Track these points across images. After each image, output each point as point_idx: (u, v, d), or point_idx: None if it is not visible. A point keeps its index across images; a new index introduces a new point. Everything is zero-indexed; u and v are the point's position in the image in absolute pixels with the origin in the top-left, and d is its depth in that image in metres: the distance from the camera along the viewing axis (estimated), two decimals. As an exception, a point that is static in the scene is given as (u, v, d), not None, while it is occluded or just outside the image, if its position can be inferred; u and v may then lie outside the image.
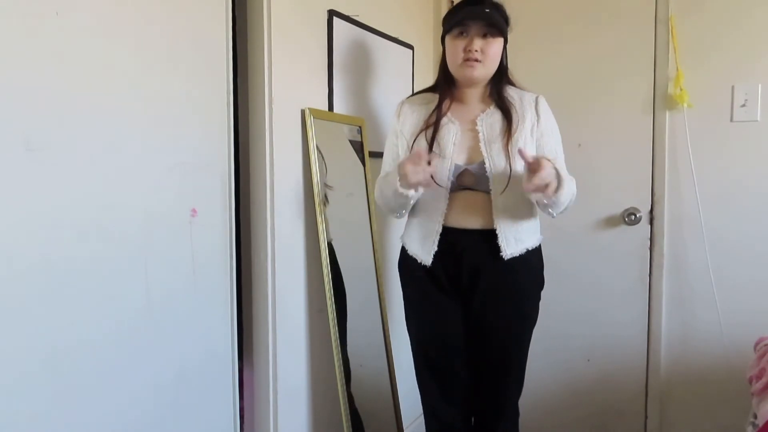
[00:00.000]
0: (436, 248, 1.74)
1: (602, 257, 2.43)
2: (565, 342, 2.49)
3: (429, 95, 1.84)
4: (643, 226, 2.36)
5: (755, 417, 1.67)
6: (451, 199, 1.73)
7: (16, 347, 1.13)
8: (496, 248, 1.71)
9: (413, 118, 1.80)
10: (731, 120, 2.23)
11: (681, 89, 2.24)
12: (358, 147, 2.10)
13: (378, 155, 2.22)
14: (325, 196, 1.91)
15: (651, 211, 2.35)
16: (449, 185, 1.72)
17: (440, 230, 1.74)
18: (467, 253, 1.73)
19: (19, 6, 1.11)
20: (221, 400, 1.62)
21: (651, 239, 2.36)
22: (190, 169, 1.49)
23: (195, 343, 1.53)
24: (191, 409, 1.52)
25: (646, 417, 2.41)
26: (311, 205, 1.86)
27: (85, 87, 1.23)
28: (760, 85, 2.18)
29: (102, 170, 1.27)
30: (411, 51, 2.42)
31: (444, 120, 1.76)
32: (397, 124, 1.83)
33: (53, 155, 1.17)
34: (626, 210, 2.37)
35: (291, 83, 1.79)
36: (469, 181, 1.73)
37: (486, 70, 1.72)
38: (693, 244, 2.29)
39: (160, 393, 1.43)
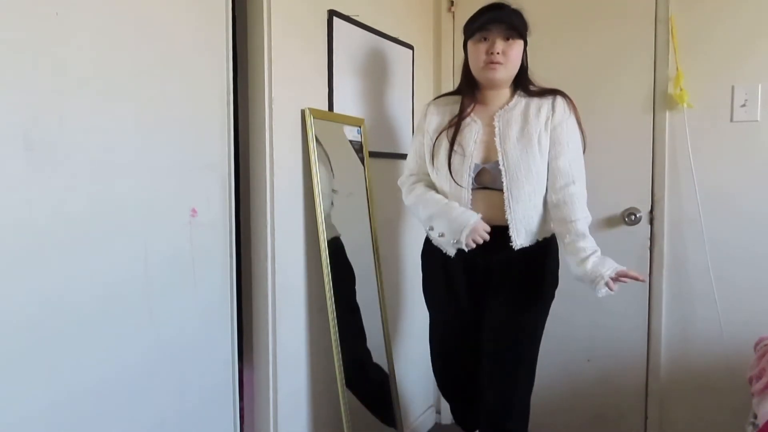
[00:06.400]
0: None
1: (602, 257, 2.43)
2: (565, 342, 2.48)
3: (453, 98, 1.90)
4: (643, 226, 2.36)
5: (755, 417, 1.68)
6: (473, 198, 1.78)
7: (15, 346, 1.13)
8: (508, 240, 1.76)
9: (438, 117, 1.87)
10: (731, 120, 2.22)
11: (681, 89, 2.24)
12: (358, 147, 2.10)
13: (378, 155, 2.22)
14: (331, 202, 1.94)
15: (651, 212, 2.35)
16: (471, 184, 1.76)
17: None
18: (484, 248, 1.77)
19: (19, 6, 1.11)
20: (221, 400, 1.62)
21: (651, 239, 2.36)
22: (190, 169, 1.50)
23: (195, 344, 1.53)
24: (191, 409, 1.52)
25: (646, 417, 2.41)
26: (311, 205, 1.86)
27: (84, 87, 1.23)
28: (760, 85, 2.18)
29: (102, 170, 1.27)
30: (411, 51, 2.42)
31: (467, 120, 1.81)
32: (424, 123, 1.90)
33: (53, 155, 1.17)
34: (626, 210, 2.37)
35: (291, 83, 1.79)
36: (487, 180, 1.78)
37: (507, 72, 1.77)
38: (693, 244, 2.29)
39: (160, 393, 1.43)
